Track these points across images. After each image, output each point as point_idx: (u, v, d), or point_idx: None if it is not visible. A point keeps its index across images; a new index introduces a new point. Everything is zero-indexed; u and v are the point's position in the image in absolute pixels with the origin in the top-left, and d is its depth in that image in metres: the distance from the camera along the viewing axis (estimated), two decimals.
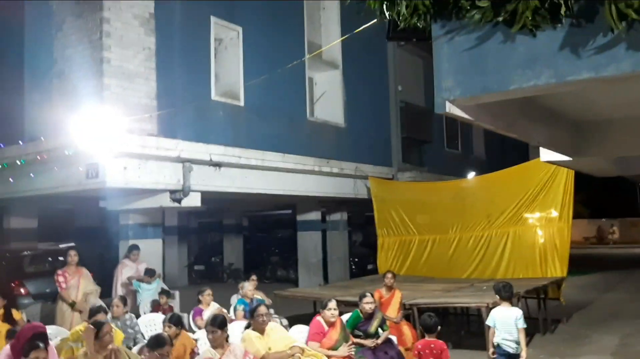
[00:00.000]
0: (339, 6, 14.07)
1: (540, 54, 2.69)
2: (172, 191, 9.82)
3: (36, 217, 13.75)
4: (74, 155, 8.61)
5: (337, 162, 13.40)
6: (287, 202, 16.54)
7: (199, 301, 7.64)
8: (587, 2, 2.52)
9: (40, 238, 13.78)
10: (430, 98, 15.34)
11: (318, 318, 6.03)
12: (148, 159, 9.25)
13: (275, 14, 12.17)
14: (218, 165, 10.45)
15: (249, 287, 8.17)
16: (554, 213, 10.43)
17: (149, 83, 9.42)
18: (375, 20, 4.13)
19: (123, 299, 6.96)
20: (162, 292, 8.50)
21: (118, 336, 5.81)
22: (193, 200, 10.11)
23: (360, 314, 6.41)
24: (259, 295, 8.29)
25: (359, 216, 19.03)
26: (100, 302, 8.10)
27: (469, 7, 2.76)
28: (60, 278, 8.28)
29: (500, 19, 2.69)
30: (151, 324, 7.12)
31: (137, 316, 7.53)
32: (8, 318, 7.08)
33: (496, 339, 5.61)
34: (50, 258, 11.48)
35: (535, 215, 10.77)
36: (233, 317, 7.60)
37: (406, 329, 7.43)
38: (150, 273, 9.12)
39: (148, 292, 8.90)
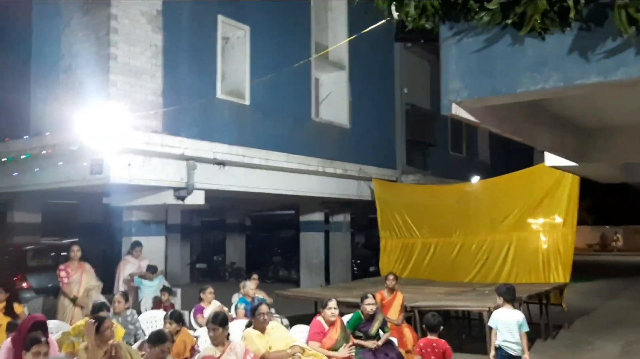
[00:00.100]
0: (346, 7, 14.07)
1: (549, 57, 2.68)
2: (175, 189, 9.84)
3: (40, 212, 13.79)
4: (78, 150, 8.63)
5: (341, 163, 13.39)
6: (290, 202, 16.54)
7: (201, 299, 7.65)
8: (596, 6, 2.51)
9: (43, 233, 13.83)
10: (435, 101, 15.33)
11: (318, 318, 6.03)
12: (152, 156, 9.26)
13: (283, 14, 12.18)
14: (222, 163, 10.46)
15: (250, 286, 8.18)
16: (558, 219, 10.40)
17: (155, 81, 9.43)
18: (383, 21, 4.13)
19: (125, 296, 6.98)
20: (164, 289, 8.51)
21: (119, 331, 5.82)
22: (196, 198, 10.12)
23: (362, 316, 6.40)
24: (260, 294, 8.29)
25: (362, 218, 19.02)
26: (102, 298, 8.13)
27: (477, 9, 2.75)
28: (63, 273, 8.29)
29: (509, 21, 2.68)
30: (152, 321, 7.13)
31: (139, 312, 7.55)
32: (10, 312, 7.09)
33: (497, 342, 5.60)
34: (53, 253, 11.53)
35: (539, 221, 10.74)
36: (234, 316, 7.60)
37: (407, 331, 7.42)
38: (152, 270, 9.14)
39: (150, 289, 8.91)
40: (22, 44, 10.13)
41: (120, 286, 9.14)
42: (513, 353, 5.56)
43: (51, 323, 6.44)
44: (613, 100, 3.85)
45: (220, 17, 10.73)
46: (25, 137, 9.55)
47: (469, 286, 10.24)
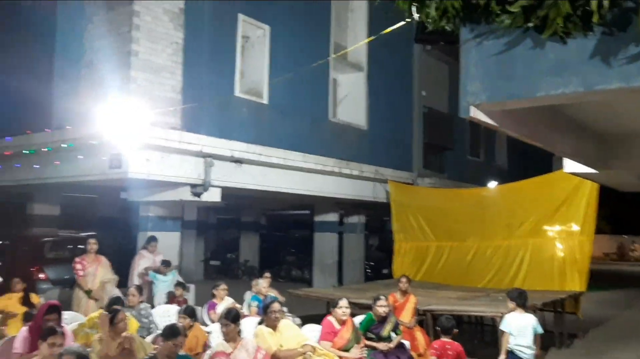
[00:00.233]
0: (367, 8, 14.07)
1: (570, 61, 2.65)
2: (192, 186, 9.91)
3: (59, 204, 14.00)
4: (98, 144, 8.75)
5: (358, 164, 13.38)
6: (305, 202, 16.56)
7: (213, 296, 7.70)
8: (620, 11, 2.48)
9: (61, 226, 14.03)
10: (454, 105, 15.23)
11: (329, 318, 6.03)
12: (170, 152, 9.35)
13: (303, 14, 12.21)
14: (239, 161, 10.52)
15: (263, 284, 8.21)
16: (575, 227, 10.27)
17: (175, 78, 9.52)
18: (403, 22, 4.13)
19: (139, 289, 7.05)
20: (178, 284, 8.58)
21: (133, 325, 5.89)
22: (213, 195, 10.19)
23: (374, 317, 6.39)
24: (272, 293, 8.32)
25: (377, 220, 18.98)
26: (117, 291, 8.22)
27: (499, 12, 2.74)
28: (78, 266, 8.40)
29: (531, 24, 2.66)
30: (165, 315, 7.18)
31: (152, 306, 7.62)
32: (27, 302, 7.21)
33: (510, 346, 5.59)
34: (70, 246, 11.67)
35: (556, 228, 10.62)
36: (246, 313, 7.64)
37: (419, 335, 7.39)
38: (166, 264, 9.22)
39: (164, 284, 8.98)
40: (46, 39, 10.28)
41: (135, 280, 9.23)
42: (525, 357, 5.54)
43: (66, 314, 6.53)
44: (635, 107, 3.80)
45: (240, 16, 10.80)
46: (46, 130, 9.69)
47: (483, 291, 10.16)
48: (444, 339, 5.45)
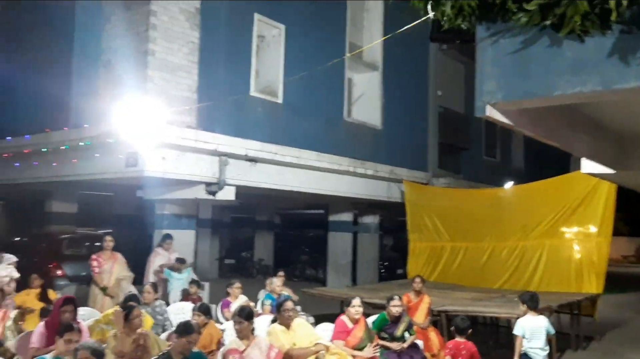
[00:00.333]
0: (382, 8, 14.02)
1: (588, 60, 2.62)
2: (207, 184, 9.96)
3: (76, 202, 14.18)
4: (115, 143, 8.83)
5: (372, 163, 13.35)
6: (319, 202, 16.57)
7: (228, 294, 7.73)
8: (639, 9, 2.45)
9: (79, 223, 14.20)
10: (470, 105, 15.14)
11: (342, 317, 6.04)
12: (186, 151, 9.41)
13: (319, 14, 12.21)
14: (254, 160, 10.55)
15: (277, 283, 8.23)
16: (593, 228, 10.15)
17: (191, 77, 9.58)
18: (418, 20, 4.11)
19: (154, 286, 7.11)
20: (192, 282, 8.63)
21: (147, 321, 5.94)
22: (227, 194, 10.23)
23: (387, 317, 6.38)
24: (286, 291, 8.33)
25: (391, 220, 18.91)
26: (133, 288, 8.30)
27: (515, 10, 2.71)
28: (94, 263, 8.49)
29: (548, 22, 2.63)
30: (180, 312, 7.23)
31: (167, 304, 7.67)
32: (44, 298, 7.30)
33: (524, 348, 5.61)
34: (87, 243, 11.81)
35: (573, 229, 10.50)
36: (260, 311, 7.66)
37: (433, 335, 7.34)
38: (180, 261, 9.28)
39: (179, 281, 9.05)
40: (65, 38, 10.41)
41: (150, 277, 9.31)
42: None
43: (83, 310, 6.62)
44: None
45: (256, 16, 10.83)
46: (64, 129, 9.81)
47: (498, 292, 10.08)
48: (459, 339, 5.51)
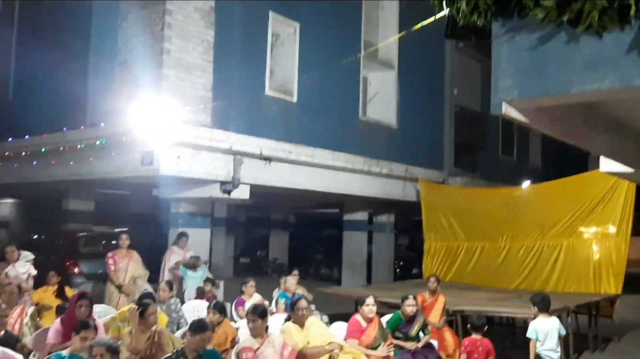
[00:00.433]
0: (398, 7, 13.96)
1: (606, 56, 2.57)
2: (222, 183, 9.99)
3: (93, 201, 14.32)
4: (130, 142, 8.89)
5: (387, 162, 13.29)
6: (334, 201, 16.55)
7: (242, 292, 7.75)
8: None
9: (95, 221, 14.34)
10: (486, 103, 14.95)
11: (356, 316, 6.02)
12: (201, 150, 9.44)
13: (334, 12, 12.18)
14: (268, 159, 10.55)
15: (291, 281, 8.22)
16: (612, 228, 10.01)
17: (205, 76, 9.61)
18: (434, 17, 4.07)
19: (169, 284, 7.13)
20: (207, 280, 8.67)
21: (162, 319, 5.97)
22: (242, 193, 10.26)
23: (402, 316, 6.35)
24: (300, 290, 8.32)
25: (407, 219, 18.83)
26: (148, 286, 8.35)
27: (532, 6, 2.67)
28: (110, 261, 8.57)
29: (565, 18, 2.59)
30: (195, 310, 7.26)
31: (182, 302, 7.71)
32: (61, 295, 7.38)
33: (538, 350, 5.63)
34: (104, 241, 11.93)
35: (592, 229, 10.36)
36: (274, 310, 7.67)
37: (448, 335, 7.29)
38: (195, 259, 9.33)
39: (193, 280, 9.09)
40: (82, 38, 10.51)
41: (166, 275, 9.37)
42: None
43: (99, 307, 6.67)
44: None
45: (271, 14, 10.84)
46: (81, 128, 9.91)
47: (515, 292, 9.97)
48: (475, 336, 5.59)
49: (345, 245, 15.67)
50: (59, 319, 5.33)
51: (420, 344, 6.20)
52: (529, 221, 11.21)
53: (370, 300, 5.96)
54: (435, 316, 7.42)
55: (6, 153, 11.20)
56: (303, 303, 5.43)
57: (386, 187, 13.63)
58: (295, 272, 8.73)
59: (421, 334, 6.34)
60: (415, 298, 6.50)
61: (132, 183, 12.12)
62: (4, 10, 13.49)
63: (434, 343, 6.60)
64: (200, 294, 8.57)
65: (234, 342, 5.70)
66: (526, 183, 14.18)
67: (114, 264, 8.51)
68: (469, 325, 5.92)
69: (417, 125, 14.46)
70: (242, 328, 5.91)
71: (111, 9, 9.99)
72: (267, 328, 4.98)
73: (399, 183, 13.94)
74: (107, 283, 8.64)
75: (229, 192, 10.08)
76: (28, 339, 5.67)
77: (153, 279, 9.08)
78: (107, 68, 9.89)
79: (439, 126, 15.66)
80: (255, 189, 10.65)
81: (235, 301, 7.76)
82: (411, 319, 6.33)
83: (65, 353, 4.39)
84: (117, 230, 12.72)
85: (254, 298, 7.58)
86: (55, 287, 7.50)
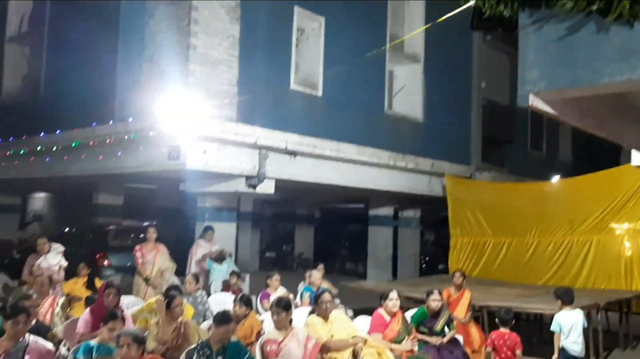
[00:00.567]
0: (424, 0, 13.81)
1: (637, 46, 2.51)
2: (247, 177, 10.06)
3: (122, 195, 14.58)
4: (158, 136, 9.01)
5: (413, 157, 13.19)
6: (359, 196, 16.49)
7: (267, 286, 7.81)
8: None
9: (124, 215, 14.61)
10: (514, 96, 14.72)
11: (379, 310, 6.01)
12: (226, 144, 9.52)
13: (359, 6, 12.11)
14: (293, 153, 10.58)
15: (316, 275, 8.24)
16: None
17: (231, 71, 9.67)
18: (460, 8, 4.02)
19: (196, 277, 7.23)
20: (233, 273, 8.75)
21: (189, 311, 6.05)
22: (267, 187, 10.31)
23: (427, 311, 6.32)
24: (325, 284, 8.34)
25: (433, 214, 18.68)
26: (176, 279, 8.48)
27: None
28: (138, 254, 8.72)
29: (594, 7, 2.53)
30: (221, 303, 7.34)
31: (208, 294, 7.80)
32: (91, 286, 7.54)
33: (562, 343, 5.66)
34: (132, 234, 12.13)
35: (623, 225, 10.13)
36: (299, 303, 7.70)
37: (474, 331, 7.22)
38: (220, 251, 9.44)
39: (219, 272, 9.19)
40: (110, 34, 10.68)
41: (192, 268, 9.49)
42: (577, 354, 5.71)
43: (127, 299, 6.81)
44: None
45: (296, 8, 10.84)
46: (110, 122, 10.08)
47: (543, 289, 9.82)
48: (503, 330, 5.69)
49: (371, 240, 15.63)
50: (88, 310, 5.46)
51: (445, 339, 6.17)
52: (558, 217, 11.01)
53: (393, 294, 5.95)
54: (460, 312, 7.36)
55: (38, 148, 11.46)
56: (326, 296, 5.44)
57: (412, 182, 13.53)
58: (321, 266, 8.76)
59: (446, 329, 6.31)
60: (440, 293, 6.46)
61: (159, 177, 12.29)
62: (35, 9, 13.80)
63: (460, 338, 6.55)
64: (226, 286, 8.66)
65: (259, 335, 5.74)
66: (555, 178, 13.92)
67: (142, 257, 8.66)
68: (497, 319, 5.97)
69: (444, 119, 14.30)
70: (267, 320, 5.95)
71: (138, 7, 10.12)
72: (291, 320, 5.01)
73: (425, 178, 13.82)
74: (135, 276, 8.80)
75: (254, 187, 10.14)
76: (59, 329, 5.83)
77: (180, 272, 9.21)
78: (134, 64, 10.03)
79: (466, 120, 15.46)
80: (280, 184, 10.69)
81: (260, 294, 7.82)
82: (436, 314, 6.30)
83: (93, 342, 4.49)
84: (145, 223, 12.92)
85: (278, 291, 7.63)
86: (85, 279, 7.66)
